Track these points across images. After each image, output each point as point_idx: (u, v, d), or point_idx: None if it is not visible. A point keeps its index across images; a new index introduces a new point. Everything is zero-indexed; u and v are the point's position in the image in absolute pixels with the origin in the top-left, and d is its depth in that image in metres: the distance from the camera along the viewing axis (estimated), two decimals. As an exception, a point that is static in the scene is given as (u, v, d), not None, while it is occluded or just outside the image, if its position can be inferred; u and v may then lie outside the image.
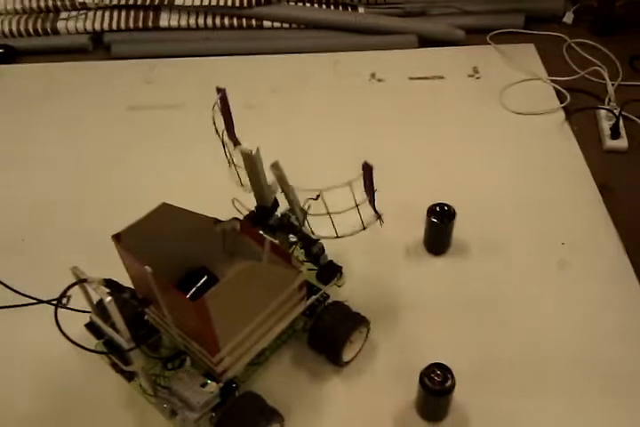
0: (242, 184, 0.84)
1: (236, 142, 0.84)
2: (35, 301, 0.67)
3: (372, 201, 0.80)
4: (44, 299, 0.66)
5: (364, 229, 0.81)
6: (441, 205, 0.94)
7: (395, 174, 1.04)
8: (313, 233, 0.83)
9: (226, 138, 0.86)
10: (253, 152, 0.77)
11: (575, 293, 0.93)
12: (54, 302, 0.64)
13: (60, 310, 0.65)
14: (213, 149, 1.17)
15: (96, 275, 0.66)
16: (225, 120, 0.84)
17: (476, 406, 0.80)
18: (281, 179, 0.78)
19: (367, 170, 0.75)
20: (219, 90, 0.82)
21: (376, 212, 0.81)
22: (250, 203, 0.85)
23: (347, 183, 0.71)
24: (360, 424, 0.80)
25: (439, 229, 0.95)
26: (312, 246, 0.85)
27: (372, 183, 0.77)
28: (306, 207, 0.81)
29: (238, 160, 0.82)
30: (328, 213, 0.75)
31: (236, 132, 0.87)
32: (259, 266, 0.74)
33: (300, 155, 1.14)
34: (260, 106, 1.27)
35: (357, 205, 0.76)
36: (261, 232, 0.88)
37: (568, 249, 0.98)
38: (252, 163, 0.78)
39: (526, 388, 0.82)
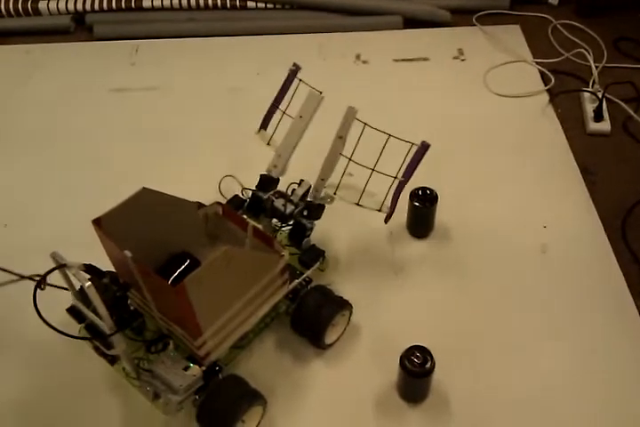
0: (269, 144, 0.93)
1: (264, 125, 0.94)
2: (17, 277, 0.67)
3: (400, 188, 0.85)
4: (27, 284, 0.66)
5: (380, 210, 0.86)
6: (423, 189, 0.94)
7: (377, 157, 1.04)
8: (335, 193, 0.86)
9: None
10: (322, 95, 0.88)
11: (557, 276, 0.93)
12: (36, 278, 0.64)
13: (43, 295, 0.65)
14: (199, 131, 1.18)
15: (81, 258, 0.66)
16: (280, 91, 0.95)
17: (455, 387, 0.82)
18: (348, 122, 0.83)
19: (422, 150, 0.82)
20: (295, 65, 0.95)
21: (394, 205, 0.86)
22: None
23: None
24: (342, 406, 0.81)
25: (422, 212, 0.96)
26: (307, 220, 0.86)
27: (416, 166, 0.83)
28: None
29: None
30: (371, 170, 0.84)
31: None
32: (239, 250, 0.74)
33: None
34: (245, 88, 1.27)
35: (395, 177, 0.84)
36: (244, 216, 0.89)
37: (550, 232, 0.99)
38: (311, 107, 0.88)
39: (506, 369, 0.84)
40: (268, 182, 0.90)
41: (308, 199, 0.88)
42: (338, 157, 0.85)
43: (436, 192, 0.94)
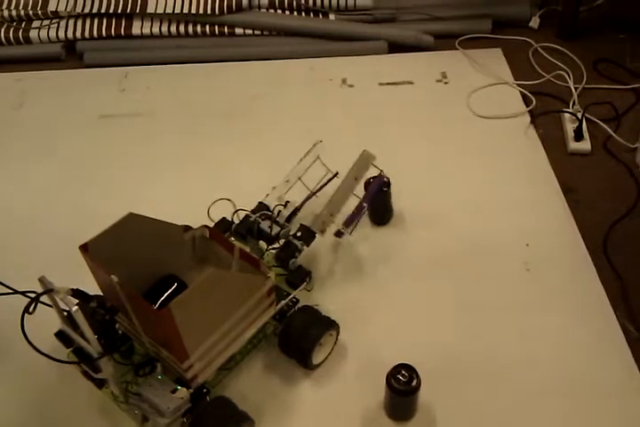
0: (287, 180, 0.97)
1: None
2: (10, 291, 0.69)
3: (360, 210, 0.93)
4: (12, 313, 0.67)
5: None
6: (374, 177, 0.96)
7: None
8: (351, 233, 0.93)
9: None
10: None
11: (540, 293, 0.95)
12: (30, 295, 0.65)
13: (33, 318, 0.66)
14: (189, 155, 1.20)
15: (70, 283, 0.68)
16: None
17: (443, 404, 0.82)
18: (364, 165, 0.92)
19: (380, 180, 0.94)
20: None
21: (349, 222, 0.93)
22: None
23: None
24: (330, 426, 0.82)
25: (377, 198, 0.98)
26: (299, 241, 0.89)
27: (374, 194, 0.94)
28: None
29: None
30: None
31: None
32: (225, 273, 0.76)
33: (274, 159, 1.15)
34: (233, 112, 1.29)
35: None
36: (232, 239, 0.90)
37: (532, 250, 1.00)
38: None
39: (492, 387, 0.85)
40: (264, 208, 0.93)
41: (303, 223, 0.91)
42: (349, 196, 0.91)
43: (389, 178, 0.97)
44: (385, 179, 0.97)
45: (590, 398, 0.83)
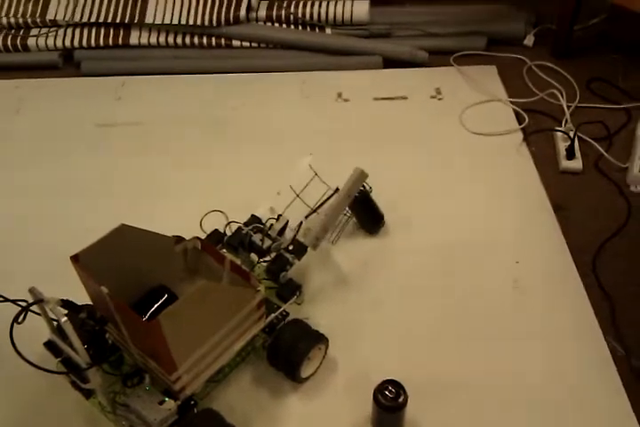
0: (278, 193, 0.98)
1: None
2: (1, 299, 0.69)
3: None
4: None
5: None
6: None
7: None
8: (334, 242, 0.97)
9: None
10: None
11: (528, 311, 0.95)
12: (20, 303, 0.65)
13: (23, 327, 0.66)
14: (182, 165, 1.20)
15: (61, 294, 0.68)
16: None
17: (429, 421, 0.83)
18: (357, 183, 0.94)
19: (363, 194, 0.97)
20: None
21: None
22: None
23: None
24: (317, 440, 0.82)
25: (359, 202, 0.99)
26: (291, 255, 0.89)
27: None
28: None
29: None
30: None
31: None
32: (215, 285, 0.76)
33: (268, 172, 1.16)
34: (227, 124, 1.30)
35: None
36: (224, 251, 0.91)
37: (522, 268, 1.01)
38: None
39: (478, 404, 0.85)
40: (257, 220, 0.94)
41: (298, 238, 0.91)
42: (342, 212, 0.94)
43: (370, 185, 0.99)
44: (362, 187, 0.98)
45: (576, 414, 0.84)
